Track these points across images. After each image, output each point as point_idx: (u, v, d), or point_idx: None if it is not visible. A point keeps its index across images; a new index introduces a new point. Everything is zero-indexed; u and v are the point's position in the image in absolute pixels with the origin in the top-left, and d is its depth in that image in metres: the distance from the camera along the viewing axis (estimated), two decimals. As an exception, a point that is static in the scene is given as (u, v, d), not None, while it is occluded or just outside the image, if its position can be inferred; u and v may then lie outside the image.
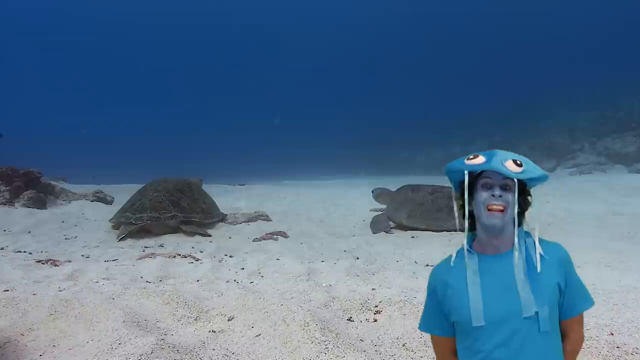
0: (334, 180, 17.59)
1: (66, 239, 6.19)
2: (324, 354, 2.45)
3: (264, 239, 6.01)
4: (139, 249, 5.60)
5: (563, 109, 20.32)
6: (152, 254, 4.96)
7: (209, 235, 6.43)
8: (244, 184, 12.73)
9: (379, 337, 2.67)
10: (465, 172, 1.21)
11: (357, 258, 4.84)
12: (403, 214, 6.52)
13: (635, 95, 17.85)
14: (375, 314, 2.98)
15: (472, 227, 1.27)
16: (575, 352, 1.30)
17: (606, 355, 2.30)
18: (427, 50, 38.73)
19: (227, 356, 2.51)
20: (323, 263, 4.57)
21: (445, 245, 5.44)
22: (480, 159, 1.20)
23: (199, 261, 4.74)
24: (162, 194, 6.80)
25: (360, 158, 24.36)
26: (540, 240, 1.28)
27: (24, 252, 5.20)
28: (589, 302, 1.29)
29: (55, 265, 4.30)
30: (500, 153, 1.22)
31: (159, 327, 2.85)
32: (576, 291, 1.27)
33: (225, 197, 9.84)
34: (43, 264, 4.32)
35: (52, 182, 9.49)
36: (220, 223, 7.18)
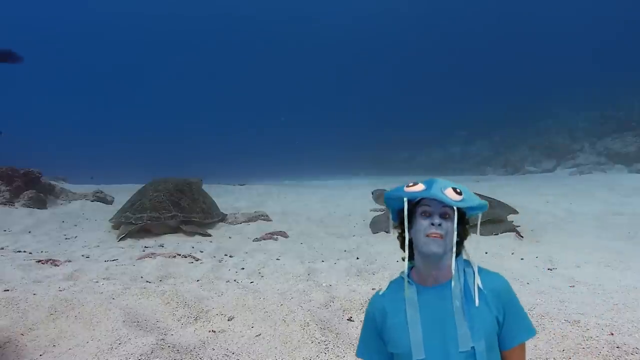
0: (334, 180, 17.59)
1: (66, 238, 6.19)
2: (324, 354, 2.45)
3: (264, 239, 6.01)
4: (139, 249, 5.60)
5: (563, 108, 20.31)
6: (152, 253, 4.96)
7: (209, 235, 6.43)
8: (244, 184, 12.73)
9: (379, 337, 2.67)
10: (405, 199, 1.20)
11: (357, 258, 4.84)
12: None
13: (635, 95, 17.84)
14: (375, 313, 2.98)
15: (411, 256, 1.26)
16: None
17: (606, 355, 2.30)
18: (427, 50, 38.72)
19: (227, 356, 2.51)
20: (323, 263, 4.57)
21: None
22: (420, 187, 1.19)
23: (199, 261, 4.74)
24: (162, 194, 6.80)
25: (360, 158, 24.36)
26: (480, 270, 1.28)
27: (24, 252, 5.20)
28: (529, 332, 1.29)
29: (56, 265, 4.30)
30: (440, 181, 1.21)
31: (159, 327, 2.85)
32: (516, 322, 1.28)
33: (226, 197, 9.84)
34: (43, 263, 4.32)
35: (52, 182, 9.49)
36: (220, 223, 7.18)
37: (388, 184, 11.05)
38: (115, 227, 6.72)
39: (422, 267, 1.23)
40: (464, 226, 1.28)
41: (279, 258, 4.85)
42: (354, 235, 6.29)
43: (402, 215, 1.22)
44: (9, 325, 2.78)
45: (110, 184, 12.10)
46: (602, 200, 8.22)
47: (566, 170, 15.12)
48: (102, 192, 9.48)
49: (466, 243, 1.34)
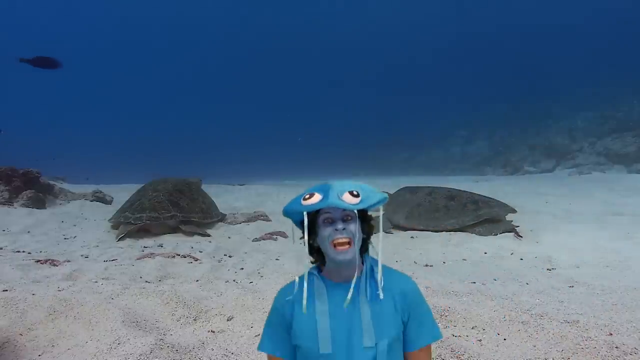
0: (333, 180, 17.56)
1: (65, 238, 6.19)
2: (323, 354, 2.44)
3: (264, 239, 6.01)
4: (138, 248, 5.60)
5: (563, 109, 20.33)
6: (152, 254, 4.96)
7: (208, 235, 6.42)
8: (243, 184, 12.73)
9: (378, 337, 2.67)
10: (304, 213, 1.20)
11: (357, 258, 4.84)
12: (401, 214, 6.52)
13: (634, 95, 17.86)
14: (374, 314, 2.98)
15: (321, 259, 1.27)
16: None
17: (605, 356, 2.30)
18: (428, 50, 38.73)
19: (227, 356, 2.51)
20: (322, 263, 4.56)
21: (444, 245, 5.44)
22: (317, 197, 1.19)
23: (198, 261, 4.74)
24: (162, 194, 6.80)
25: (360, 158, 24.38)
26: (390, 271, 1.30)
27: (23, 252, 5.20)
28: (435, 335, 1.31)
29: (54, 265, 4.30)
30: (336, 186, 1.21)
31: (158, 327, 2.85)
32: (422, 324, 1.29)
33: (225, 197, 9.84)
34: (42, 263, 4.32)
35: (52, 182, 9.49)
36: (220, 223, 7.18)
37: (388, 185, 11.06)
38: (115, 227, 6.72)
39: (332, 268, 1.24)
40: (368, 222, 1.29)
41: (279, 258, 4.85)
42: (353, 235, 6.28)
43: (304, 226, 1.22)
44: (7, 326, 2.78)
45: (109, 184, 12.10)
46: (602, 201, 8.22)
47: (566, 170, 15.13)
48: (101, 192, 9.47)
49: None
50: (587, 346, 2.40)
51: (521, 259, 4.66)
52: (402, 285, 1.28)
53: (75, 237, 6.31)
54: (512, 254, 4.90)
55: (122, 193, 9.21)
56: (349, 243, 1.19)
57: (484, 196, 6.66)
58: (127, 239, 6.14)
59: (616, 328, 2.62)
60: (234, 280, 3.87)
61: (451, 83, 32.83)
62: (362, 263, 1.27)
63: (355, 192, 1.20)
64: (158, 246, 5.76)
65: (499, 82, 29.21)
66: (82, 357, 2.51)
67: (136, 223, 6.27)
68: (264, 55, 45.08)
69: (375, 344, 1.18)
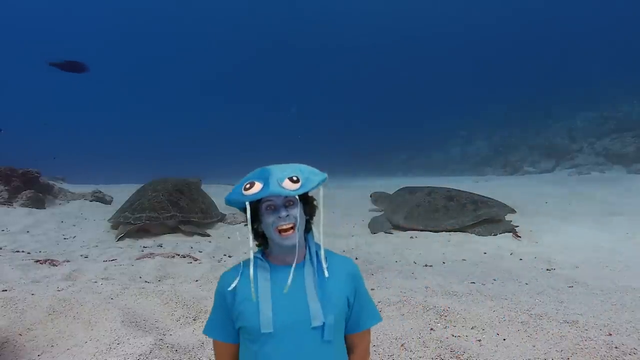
0: (333, 180, 17.60)
1: (65, 238, 6.19)
2: (323, 354, 2.45)
3: (263, 239, 6.00)
4: (138, 249, 5.60)
5: (562, 109, 20.35)
6: (151, 254, 4.95)
7: (208, 235, 6.42)
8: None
9: (377, 337, 2.67)
10: (247, 203, 1.20)
11: (356, 258, 4.84)
12: (401, 215, 6.52)
13: (634, 95, 17.88)
14: (373, 314, 2.98)
15: (265, 244, 1.27)
16: None
17: (604, 356, 2.31)
18: (427, 50, 38.76)
19: (226, 356, 2.50)
20: (322, 263, 4.56)
21: (444, 245, 5.44)
22: (257, 187, 1.19)
23: (198, 261, 4.74)
24: (161, 194, 6.80)
25: (360, 159, 24.38)
26: (332, 254, 1.31)
27: (23, 252, 5.19)
28: (375, 318, 1.33)
29: (54, 265, 4.30)
30: (275, 172, 1.21)
31: (157, 327, 2.85)
32: (364, 307, 1.31)
33: (224, 196, 9.82)
34: (41, 263, 4.31)
35: (51, 182, 9.48)
36: (219, 223, 7.18)
37: (387, 185, 11.06)
38: (114, 227, 6.72)
39: (276, 252, 1.25)
40: (311, 204, 1.29)
41: (278, 258, 4.85)
42: (353, 236, 6.29)
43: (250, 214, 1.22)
44: (7, 326, 2.78)
45: (109, 183, 12.10)
46: (601, 201, 8.23)
47: (565, 170, 15.13)
48: (100, 192, 9.47)
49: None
50: (586, 346, 2.40)
51: (520, 259, 4.66)
52: (347, 267, 1.30)
53: (74, 237, 6.31)
54: (511, 254, 4.90)
55: (121, 193, 9.21)
56: (292, 228, 1.20)
57: (484, 196, 6.67)
58: (127, 239, 6.14)
59: (615, 328, 2.62)
60: (233, 281, 3.86)
61: (451, 83, 32.84)
62: (306, 244, 1.28)
63: (295, 178, 1.20)
64: (158, 246, 5.76)
65: (498, 83, 29.24)
66: (81, 357, 2.50)
67: (136, 223, 6.27)
68: (264, 55, 45.07)
69: (323, 322, 1.19)
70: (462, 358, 2.39)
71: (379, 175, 19.67)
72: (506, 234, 5.80)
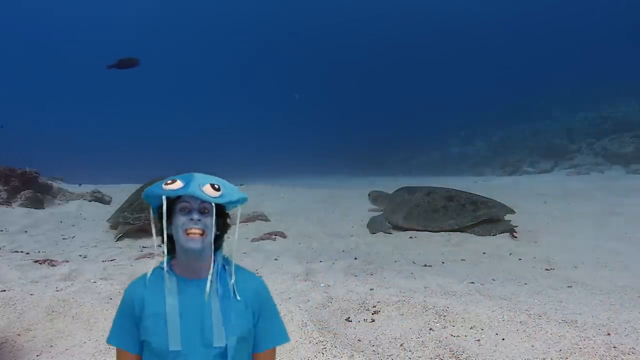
0: (332, 180, 17.60)
1: (64, 238, 6.18)
2: (322, 354, 2.45)
3: (262, 239, 6.01)
4: (137, 249, 5.59)
5: (561, 109, 20.38)
6: (150, 254, 4.95)
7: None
8: (242, 184, 12.72)
9: (376, 337, 2.68)
10: (163, 197, 1.19)
11: (356, 258, 4.84)
12: (400, 215, 6.52)
13: (633, 95, 17.92)
14: (373, 314, 2.98)
15: (173, 251, 1.26)
16: None
17: (603, 355, 2.31)
18: (426, 50, 38.77)
19: (225, 356, 2.50)
20: (321, 263, 4.57)
21: (443, 245, 5.44)
22: (178, 184, 1.19)
23: (197, 261, 4.73)
24: (160, 194, 6.79)
25: (359, 158, 24.37)
26: (241, 270, 1.30)
27: (21, 252, 5.19)
28: (283, 338, 1.32)
29: (53, 265, 4.29)
30: (199, 177, 1.21)
31: (156, 327, 2.84)
32: (272, 325, 1.30)
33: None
34: (40, 264, 4.31)
35: (50, 182, 9.47)
36: (219, 223, 7.16)
37: (387, 184, 11.06)
38: (113, 227, 6.71)
39: (183, 260, 1.24)
40: (225, 220, 1.28)
41: (277, 258, 4.85)
42: (352, 236, 6.29)
43: (161, 212, 1.21)
44: (5, 326, 2.77)
45: (108, 184, 12.08)
46: (600, 201, 8.24)
47: (564, 170, 15.15)
48: (99, 192, 9.46)
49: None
50: (585, 346, 2.40)
51: (520, 259, 4.66)
52: (254, 284, 1.29)
53: (73, 237, 6.30)
54: (510, 254, 4.90)
55: (120, 193, 9.20)
56: (201, 234, 1.19)
57: (483, 196, 6.67)
58: (126, 239, 6.13)
59: (614, 328, 2.63)
60: (232, 281, 3.86)
61: (450, 83, 32.86)
62: (214, 260, 1.27)
63: (216, 186, 1.20)
64: (157, 246, 5.75)
65: (497, 83, 29.27)
66: (80, 357, 2.50)
67: (135, 223, 6.27)
68: (263, 55, 45.04)
69: (226, 343, 1.18)
70: (461, 358, 2.39)
71: (378, 174, 19.68)
72: (505, 234, 5.80)
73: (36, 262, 4.37)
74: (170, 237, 1.24)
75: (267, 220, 7.40)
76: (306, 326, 2.70)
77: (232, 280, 1.24)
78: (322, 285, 3.65)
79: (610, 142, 15.50)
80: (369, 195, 8.25)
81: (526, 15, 35.48)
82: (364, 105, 36.41)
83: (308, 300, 3.23)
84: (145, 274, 1.25)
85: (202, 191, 1.17)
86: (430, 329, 2.73)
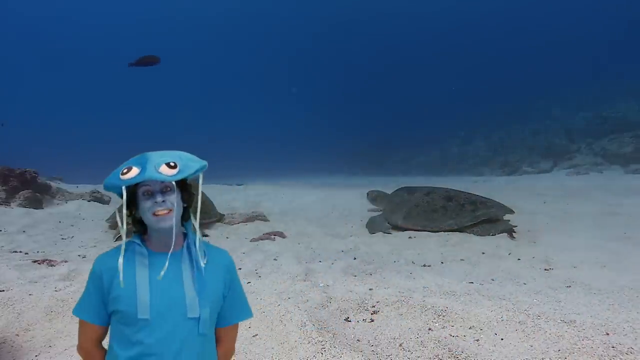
0: (332, 180, 17.60)
1: (62, 239, 6.17)
2: (321, 354, 2.45)
3: (262, 239, 6.00)
4: (136, 249, 5.58)
5: (561, 109, 20.40)
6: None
7: (207, 236, 6.41)
8: (241, 184, 12.71)
9: (375, 337, 2.68)
10: (123, 187, 1.20)
11: (355, 258, 4.84)
12: (399, 215, 6.53)
13: (632, 96, 17.94)
14: (372, 314, 2.98)
15: (145, 231, 1.28)
16: (227, 359, 1.36)
17: (602, 355, 2.31)
18: (426, 51, 38.79)
19: (224, 356, 2.50)
20: (320, 263, 4.57)
21: (442, 245, 5.44)
22: (134, 171, 1.19)
23: (196, 261, 4.73)
24: (160, 194, 6.79)
25: (358, 158, 24.38)
26: (209, 245, 1.32)
27: (20, 252, 5.18)
28: (247, 313, 1.35)
29: (52, 265, 4.29)
30: (153, 158, 1.21)
31: (155, 328, 2.84)
32: (237, 300, 1.33)
33: (223, 197, 9.83)
34: (39, 264, 4.30)
35: (49, 182, 9.46)
36: (218, 223, 7.17)
37: (386, 185, 11.06)
38: (112, 227, 6.70)
39: (155, 236, 1.25)
40: (189, 192, 1.30)
41: (277, 258, 4.85)
42: (351, 236, 6.29)
43: (126, 199, 1.22)
44: (4, 326, 2.77)
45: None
46: (599, 201, 8.25)
47: (563, 170, 15.17)
48: (98, 192, 9.44)
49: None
50: (584, 346, 2.40)
51: (519, 259, 4.67)
52: (224, 259, 1.31)
53: (72, 237, 6.30)
54: (509, 254, 4.91)
55: (119, 193, 9.17)
56: (169, 212, 1.21)
57: (482, 197, 6.67)
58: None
59: (613, 328, 2.63)
60: (231, 281, 3.86)
61: (449, 83, 32.88)
62: (185, 233, 1.28)
63: (172, 164, 1.21)
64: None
65: (497, 83, 29.29)
66: (79, 357, 2.50)
67: (134, 223, 6.27)
68: (262, 54, 45.04)
69: (199, 314, 1.20)
70: (460, 358, 2.39)
71: (377, 174, 19.69)
72: (504, 234, 5.81)
73: (35, 262, 4.36)
74: (137, 219, 1.26)
75: (266, 220, 7.40)
76: (305, 326, 2.70)
77: (204, 254, 1.26)
78: (321, 285, 3.65)
79: (609, 142, 15.51)
80: (368, 195, 8.25)
81: (526, 15, 35.52)
82: (363, 105, 36.42)
83: (307, 300, 3.23)
84: (119, 247, 1.25)
85: (160, 173, 1.18)
86: (429, 329, 2.73)
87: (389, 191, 7.84)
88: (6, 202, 7.98)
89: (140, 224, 1.27)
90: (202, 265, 1.24)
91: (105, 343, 1.33)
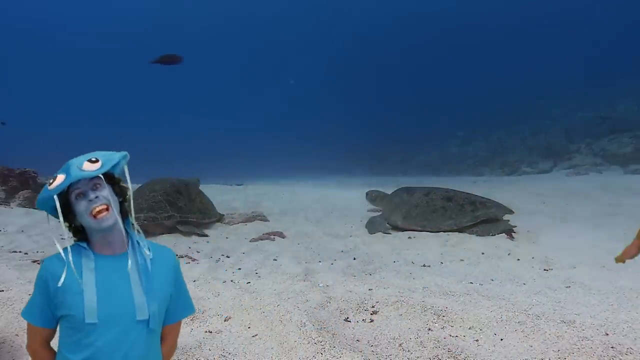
0: (331, 180, 17.60)
1: (62, 239, 6.16)
2: (321, 354, 2.45)
3: (261, 239, 6.00)
4: (136, 249, 5.58)
5: (560, 110, 20.41)
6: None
7: (206, 236, 6.42)
8: (241, 184, 12.71)
9: (375, 337, 2.68)
10: (55, 197, 1.22)
11: (354, 258, 4.84)
12: (399, 215, 6.53)
13: (631, 96, 17.95)
14: (372, 314, 2.99)
15: (86, 238, 1.28)
16: (169, 357, 1.37)
17: (601, 355, 2.31)
18: (425, 51, 38.81)
19: (224, 356, 2.50)
20: (320, 263, 4.57)
21: (442, 245, 5.45)
22: (60, 178, 1.21)
23: (196, 261, 4.74)
24: (159, 194, 6.79)
25: (357, 158, 24.38)
26: (152, 244, 1.33)
27: (20, 252, 5.18)
28: (190, 309, 1.37)
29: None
30: (74, 161, 1.23)
31: (155, 328, 2.84)
32: (182, 298, 1.35)
33: (223, 197, 9.82)
34: (39, 264, 4.30)
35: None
36: (217, 223, 7.17)
37: (385, 185, 11.06)
38: (112, 227, 6.70)
39: (98, 238, 1.26)
40: (119, 185, 1.31)
41: (276, 258, 4.85)
42: (351, 236, 6.29)
43: (62, 211, 1.23)
44: (4, 326, 2.77)
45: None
46: (598, 201, 8.25)
47: (563, 171, 15.17)
48: (98, 192, 9.45)
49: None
50: (583, 346, 2.41)
51: (518, 260, 4.67)
52: (169, 257, 1.32)
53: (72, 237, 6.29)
54: (509, 254, 4.91)
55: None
56: (107, 209, 1.21)
57: (482, 197, 6.68)
58: (125, 239, 6.12)
59: (612, 328, 2.63)
60: (231, 281, 3.86)
61: (449, 83, 32.90)
62: (127, 233, 1.29)
63: (93, 159, 1.22)
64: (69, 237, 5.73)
65: (496, 83, 29.30)
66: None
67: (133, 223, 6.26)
68: (261, 54, 45.06)
69: (148, 315, 1.21)
70: (459, 358, 2.39)
71: (377, 174, 19.69)
72: (504, 234, 5.81)
73: (34, 262, 4.36)
74: (79, 228, 1.27)
75: (266, 220, 7.40)
76: (305, 326, 2.70)
77: (149, 254, 1.27)
78: (321, 285, 3.65)
79: (609, 143, 15.52)
80: (367, 195, 8.25)
81: (526, 15, 35.55)
82: (363, 106, 36.43)
83: (307, 301, 3.23)
84: (64, 250, 1.26)
85: (84, 170, 1.20)
86: (429, 329, 2.73)
87: (389, 191, 7.84)
88: (6, 202, 7.98)
89: (83, 232, 1.27)
90: (149, 265, 1.25)
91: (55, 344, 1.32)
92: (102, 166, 1.22)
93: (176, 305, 1.33)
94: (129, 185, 1.29)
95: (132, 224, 1.31)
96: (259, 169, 22.29)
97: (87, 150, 1.31)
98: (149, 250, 1.28)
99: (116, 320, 1.19)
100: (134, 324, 1.21)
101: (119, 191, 1.30)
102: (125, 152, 1.30)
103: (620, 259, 1.78)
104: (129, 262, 1.24)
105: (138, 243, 1.28)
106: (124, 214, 1.30)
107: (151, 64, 8.28)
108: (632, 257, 1.75)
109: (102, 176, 1.23)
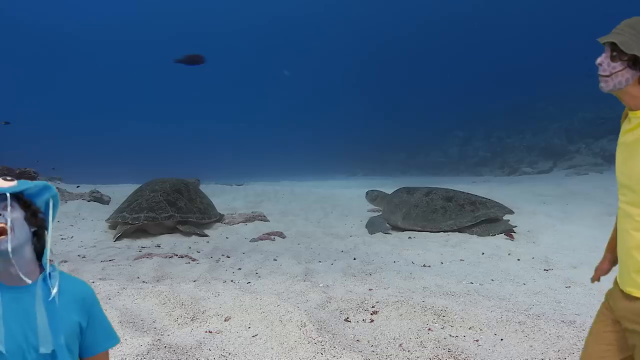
0: (331, 180, 17.60)
1: (62, 238, 6.17)
2: (321, 355, 2.45)
3: (261, 239, 6.00)
4: (136, 249, 5.59)
5: (560, 110, 20.42)
6: (149, 254, 4.95)
7: (206, 236, 6.42)
8: (241, 184, 12.71)
9: (375, 337, 2.68)
10: None
11: (354, 258, 4.85)
12: (399, 215, 6.53)
13: (631, 96, 17.91)
14: (372, 314, 2.99)
15: None
16: None
17: (601, 356, 2.31)
18: (425, 51, 38.83)
19: (224, 356, 2.50)
20: (320, 263, 4.57)
21: (442, 245, 5.45)
22: None
23: (196, 261, 4.74)
24: (159, 193, 6.79)
25: (357, 159, 24.38)
26: (66, 276, 1.29)
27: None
28: (112, 340, 1.33)
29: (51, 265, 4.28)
30: None
31: (155, 328, 2.85)
32: (100, 329, 1.31)
33: (223, 197, 9.83)
34: None
35: (48, 182, 9.45)
36: (218, 223, 7.17)
37: (385, 185, 11.06)
38: (112, 227, 6.70)
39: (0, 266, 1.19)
40: (35, 215, 1.23)
41: (276, 258, 4.85)
42: (351, 236, 6.29)
43: None
44: None
45: (107, 183, 12.06)
46: (598, 201, 8.25)
47: (563, 171, 15.18)
48: (98, 191, 9.44)
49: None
50: (582, 347, 2.40)
51: (518, 260, 4.67)
52: (79, 290, 1.28)
53: (72, 237, 6.29)
54: (509, 254, 4.91)
55: (119, 193, 9.19)
56: (4, 231, 1.13)
57: (482, 197, 6.68)
58: (125, 239, 6.12)
59: (612, 328, 2.62)
60: (231, 281, 3.86)
61: (449, 84, 32.91)
62: (40, 265, 1.24)
63: (9, 177, 1.18)
64: (155, 246, 5.75)
65: (496, 83, 29.31)
66: (78, 357, 2.50)
67: (134, 223, 6.26)
68: (260, 54, 45.07)
69: (53, 350, 1.18)
70: (459, 358, 2.39)
71: (377, 174, 19.69)
72: (504, 234, 5.81)
73: None
74: None
75: (266, 220, 7.40)
76: (305, 326, 2.70)
77: (56, 286, 1.21)
78: (321, 285, 3.65)
79: (608, 143, 15.51)
80: (367, 195, 8.25)
81: (525, 15, 35.58)
82: (363, 106, 36.44)
83: (307, 301, 3.23)
84: None
85: None
86: (429, 329, 2.73)
87: (389, 191, 7.84)
88: (6, 202, 7.97)
89: None
90: (56, 298, 1.20)
91: None
92: (15, 186, 1.17)
93: (94, 337, 1.30)
94: (50, 219, 1.23)
95: (48, 259, 1.26)
96: (259, 169, 22.30)
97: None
98: (58, 282, 1.23)
99: (22, 353, 1.17)
100: (40, 357, 1.18)
101: (34, 221, 1.22)
102: (53, 188, 1.24)
103: (596, 278, 1.74)
104: (36, 293, 1.20)
105: (50, 275, 1.24)
106: (40, 248, 1.24)
107: (175, 62, 8.25)
108: (605, 273, 1.71)
109: (15, 199, 1.17)
